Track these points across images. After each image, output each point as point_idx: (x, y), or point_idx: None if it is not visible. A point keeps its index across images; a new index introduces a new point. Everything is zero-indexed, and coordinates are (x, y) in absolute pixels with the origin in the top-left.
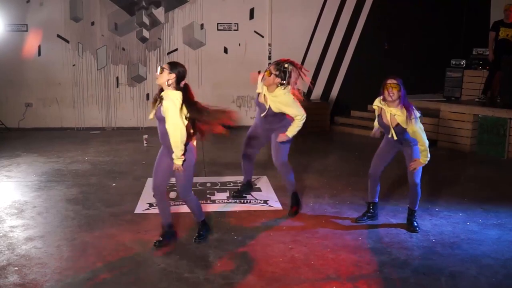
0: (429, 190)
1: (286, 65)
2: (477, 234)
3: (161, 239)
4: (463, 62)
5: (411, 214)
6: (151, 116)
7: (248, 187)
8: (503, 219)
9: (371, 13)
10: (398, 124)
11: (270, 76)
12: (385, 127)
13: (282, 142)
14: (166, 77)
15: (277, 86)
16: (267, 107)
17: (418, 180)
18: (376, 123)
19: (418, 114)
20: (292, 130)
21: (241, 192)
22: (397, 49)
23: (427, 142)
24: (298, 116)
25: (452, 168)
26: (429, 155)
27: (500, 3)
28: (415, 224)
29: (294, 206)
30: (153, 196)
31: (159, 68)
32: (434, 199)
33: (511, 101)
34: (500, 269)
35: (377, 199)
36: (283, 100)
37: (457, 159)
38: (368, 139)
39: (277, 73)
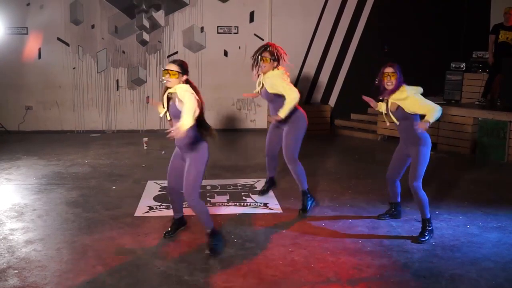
0: (429, 193)
1: (273, 49)
2: (477, 237)
3: (170, 229)
4: (463, 65)
5: (422, 224)
6: (161, 114)
7: (271, 184)
8: (503, 222)
9: (371, 17)
10: (398, 107)
11: (269, 62)
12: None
13: (293, 138)
14: (179, 81)
15: (273, 69)
16: (262, 89)
17: (416, 182)
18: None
19: (413, 90)
20: (284, 110)
21: (266, 190)
22: (397, 52)
23: (432, 105)
24: (291, 95)
25: (452, 171)
26: (438, 113)
27: (500, 6)
28: (424, 238)
29: (303, 205)
30: (170, 197)
31: (165, 72)
32: (434, 202)
33: (511, 104)
34: (500, 272)
35: (398, 199)
36: (276, 75)
37: (457, 162)
38: (368, 142)
39: (273, 57)
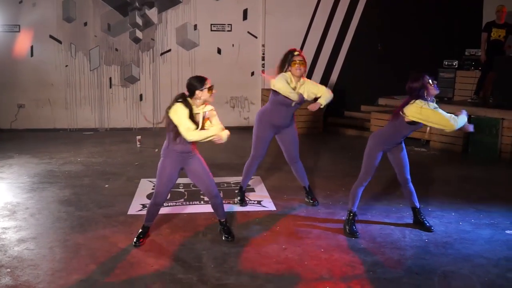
0: (422, 190)
1: (300, 52)
2: (470, 233)
3: (142, 238)
4: (455, 62)
5: (418, 214)
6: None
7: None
8: (495, 219)
9: (364, 15)
10: None
11: (304, 65)
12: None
13: (295, 139)
14: None
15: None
16: (299, 95)
17: (408, 175)
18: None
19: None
20: (326, 100)
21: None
22: (390, 50)
23: (445, 116)
24: (328, 91)
25: (445, 168)
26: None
27: (492, 4)
28: (427, 224)
29: (314, 197)
30: (159, 203)
31: (210, 88)
32: (427, 199)
33: (503, 102)
34: (492, 269)
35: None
36: (311, 82)
37: (450, 160)
38: (361, 140)
39: (304, 60)
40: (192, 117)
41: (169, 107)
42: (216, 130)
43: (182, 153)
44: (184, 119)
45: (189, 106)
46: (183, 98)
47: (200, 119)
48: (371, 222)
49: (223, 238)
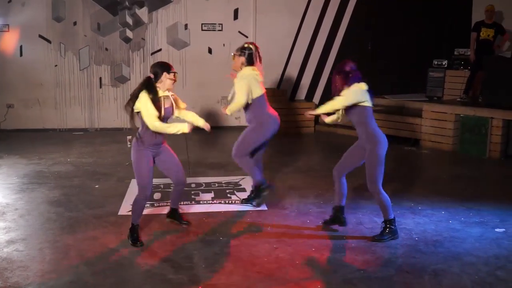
0: (412, 189)
1: (246, 45)
2: (460, 232)
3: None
4: (445, 62)
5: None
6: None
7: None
8: (485, 217)
9: (355, 14)
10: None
11: (233, 58)
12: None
13: (248, 137)
14: None
15: (241, 67)
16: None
17: (378, 185)
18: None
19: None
20: (230, 108)
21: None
22: (380, 49)
23: (340, 103)
24: (237, 99)
25: (435, 167)
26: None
27: (481, 4)
28: (384, 237)
29: (254, 197)
30: (148, 196)
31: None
32: (417, 197)
33: (492, 101)
34: (483, 267)
35: (342, 203)
36: (240, 76)
37: (439, 158)
38: (352, 139)
39: (239, 53)
40: (157, 101)
41: (133, 97)
42: (179, 127)
43: (154, 145)
44: (148, 106)
45: (153, 91)
46: (148, 83)
47: (168, 101)
48: (362, 221)
49: (183, 225)
